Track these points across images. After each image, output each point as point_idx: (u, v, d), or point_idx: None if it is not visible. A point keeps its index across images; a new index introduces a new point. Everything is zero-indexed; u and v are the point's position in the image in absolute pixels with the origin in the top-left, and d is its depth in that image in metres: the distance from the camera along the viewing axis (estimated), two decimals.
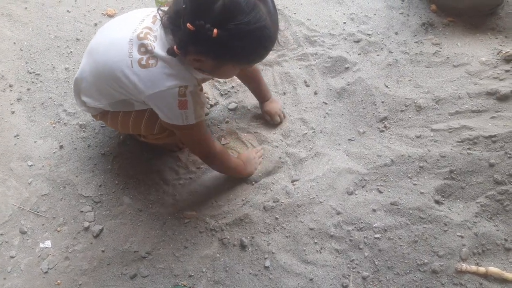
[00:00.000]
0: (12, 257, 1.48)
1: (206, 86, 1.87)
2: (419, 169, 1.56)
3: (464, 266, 1.37)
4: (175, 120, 1.25)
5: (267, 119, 1.75)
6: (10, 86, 1.85)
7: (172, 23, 1.09)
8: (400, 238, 1.45)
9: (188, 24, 1.00)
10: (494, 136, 1.55)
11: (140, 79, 1.19)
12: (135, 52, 1.18)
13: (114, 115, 1.42)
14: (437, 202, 1.49)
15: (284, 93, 1.85)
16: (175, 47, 1.09)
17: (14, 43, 1.97)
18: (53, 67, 1.91)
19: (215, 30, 0.98)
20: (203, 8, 1.00)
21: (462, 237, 1.42)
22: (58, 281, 1.44)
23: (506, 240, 1.41)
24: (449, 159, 1.55)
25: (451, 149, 1.57)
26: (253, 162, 1.62)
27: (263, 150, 1.67)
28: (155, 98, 1.21)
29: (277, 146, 1.69)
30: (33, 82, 1.86)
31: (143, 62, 1.18)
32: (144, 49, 1.18)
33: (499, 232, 1.42)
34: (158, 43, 1.18)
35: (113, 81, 1.24)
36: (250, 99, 1.82)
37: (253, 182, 1.61)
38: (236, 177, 1.62)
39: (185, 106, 1.22)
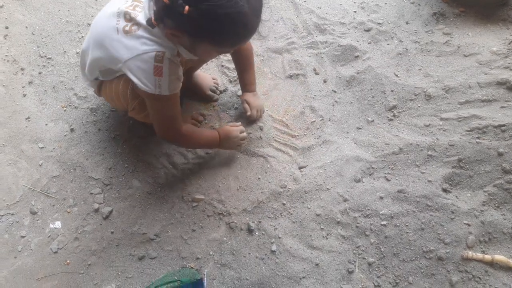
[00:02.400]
0: (22, 237, 1.50)
1: (216, 73, 1.88)
2: (427, 158, 1.57)
3: (470, 253, 1.37)
4: (148, 85, 1.23)
5: (245, 108, 1.66)
6: (22, 69, 1.87)
7: None
8: (407, 226, 1.45)
9: None
10: (504, 125, 1.54)
11: (122, 43, 1.22)
12: (122, 20, 1.22)
13: (104, 87, 1.47)
14: (444, 190, 1.50)
15: (291, 78, 1.86)
16: (152, 18, 1.11)
17: (26, 27, 1.99)
18: (65, 51, 1.92)
19: (186, 7, 1.00)
20: None
21: (469, 225, 1.42)
22: (68, 261, 1.46)
23: None
24: (457, 147, 1.55)
25: (460, 138, 1.57)
26: (233, 140, 1.56)
27: (242, 127, 1.61)
28: (132, 63, 1.22)
29: (284, 132, 1.70)
30: (44, 66, 1.88)
31: (127, 28, 1.21)
32: (129, 16, 1.22)
33: (506, 221, 1.42)
34: (142, 13, 1.21)
35: (101, 49, 1.28)
36: (260, 86, 1.82)
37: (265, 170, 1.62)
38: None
39: (160, 73, 1.21)
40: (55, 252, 1.48)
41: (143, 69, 1.21)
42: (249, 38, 1.18)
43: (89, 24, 2.00)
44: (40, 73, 1.86)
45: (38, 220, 1.54)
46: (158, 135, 1.46)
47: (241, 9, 1.04)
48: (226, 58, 1.90)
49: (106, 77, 1.42)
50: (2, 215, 1.53)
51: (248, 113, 1.66)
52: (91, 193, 1.58)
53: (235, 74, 1.87)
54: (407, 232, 1.44)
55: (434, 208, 1.46)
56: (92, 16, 2.03)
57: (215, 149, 1.65)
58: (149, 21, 1.14)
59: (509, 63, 1.70)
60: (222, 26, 1.07)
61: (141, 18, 1.20)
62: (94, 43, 1.32)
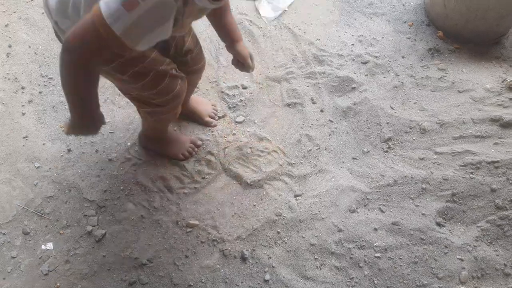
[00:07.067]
0: (13, 257, 1.48)
1: (216, 99, 1.90)
2: (422, 191, 1.58)
3: None
4: (105, 8, 0.87)
5: (239, 60, 1.45)
6: (23, 88, 1.88)
7: None
8: (400, 258, 1.46)
9: None
10: (497, 162, 1.57)
11: None
12: None
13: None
14: (438, 224, 1.51)
15: (289, 106, 1.89)
16: None
17: (29, 46, 2.01)
18: None
19: None
20: None
21: (462, 260, 1.43)
22: (58, 284, 1.44)
23: (505, 265, 1.42)
24: (451, 182, 1.57)
25: (453, 173, 1.59)
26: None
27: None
28: None
29: (283, 159, 1.72)
30: (45, 85, 1.90)
31: None
32: None
33: (499, 257, 1.43)
34: None
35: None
36: (258, 113, 1.85)
37: (260, 197, 1.63)
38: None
39: (131, 6, 0.87)
40: (45, 274, 1.46)
41: None
42: None
43: None
44: (40, 92, 1.87)
45: (30, 240, 1.52)
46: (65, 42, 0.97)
47: None
48: (226, 85, 1.93)
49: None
50: None
51: (251, 70, 1.48)
52: (85, 215, 1.57)
53: (234, 100, 1.89)
54: (400, 265, 1.45)
55: (428, 242, 1.47)
56: None
57: (208, 172, 1.67)
58: None
59: (502, 101, 1.74)
60: None
61: None
62: None
